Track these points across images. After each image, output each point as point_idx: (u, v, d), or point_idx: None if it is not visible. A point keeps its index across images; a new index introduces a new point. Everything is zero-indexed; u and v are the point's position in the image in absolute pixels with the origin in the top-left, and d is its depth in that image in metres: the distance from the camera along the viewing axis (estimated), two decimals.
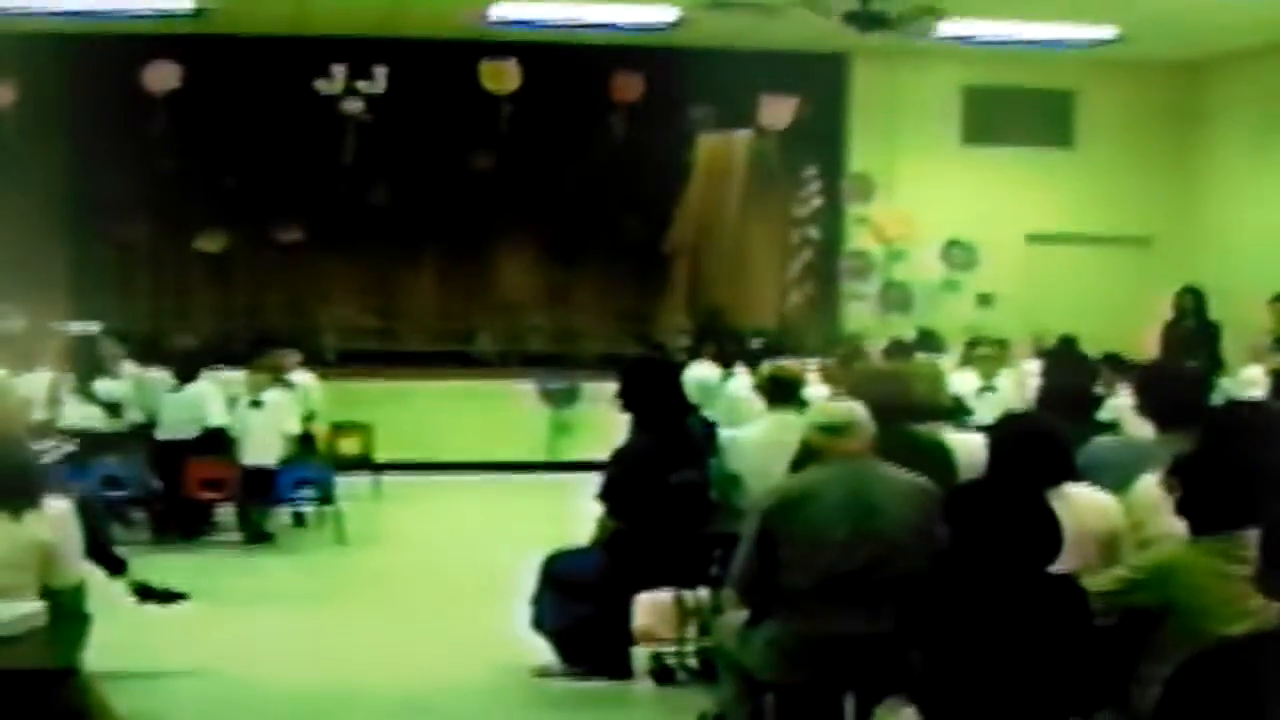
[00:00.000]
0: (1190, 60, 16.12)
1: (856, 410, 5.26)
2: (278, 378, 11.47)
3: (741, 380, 11.66)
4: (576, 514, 8.05)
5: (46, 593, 4.54)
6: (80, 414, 11.15)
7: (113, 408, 11.32)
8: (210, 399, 11.17)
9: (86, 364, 11.57)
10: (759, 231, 17.00)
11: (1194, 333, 13.89)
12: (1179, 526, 4.58)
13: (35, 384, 11.06)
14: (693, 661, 6.98)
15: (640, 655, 7.08)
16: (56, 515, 4.47)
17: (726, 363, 12.62)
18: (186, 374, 11.24)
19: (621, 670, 6.98)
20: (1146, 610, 4.42)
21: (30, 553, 4.37)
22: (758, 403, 7.75)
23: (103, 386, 11.37)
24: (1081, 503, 4.96)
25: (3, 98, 14.90)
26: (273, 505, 11.07)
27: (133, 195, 15.69)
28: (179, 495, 10.80)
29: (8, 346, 12.06)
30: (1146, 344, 13.81)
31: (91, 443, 10.72)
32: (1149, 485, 5.11)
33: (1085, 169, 16.54)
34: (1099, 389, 8.82)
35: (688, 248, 17.01)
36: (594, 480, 7.20)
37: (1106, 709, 4.50)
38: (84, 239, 15.80)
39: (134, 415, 11.49)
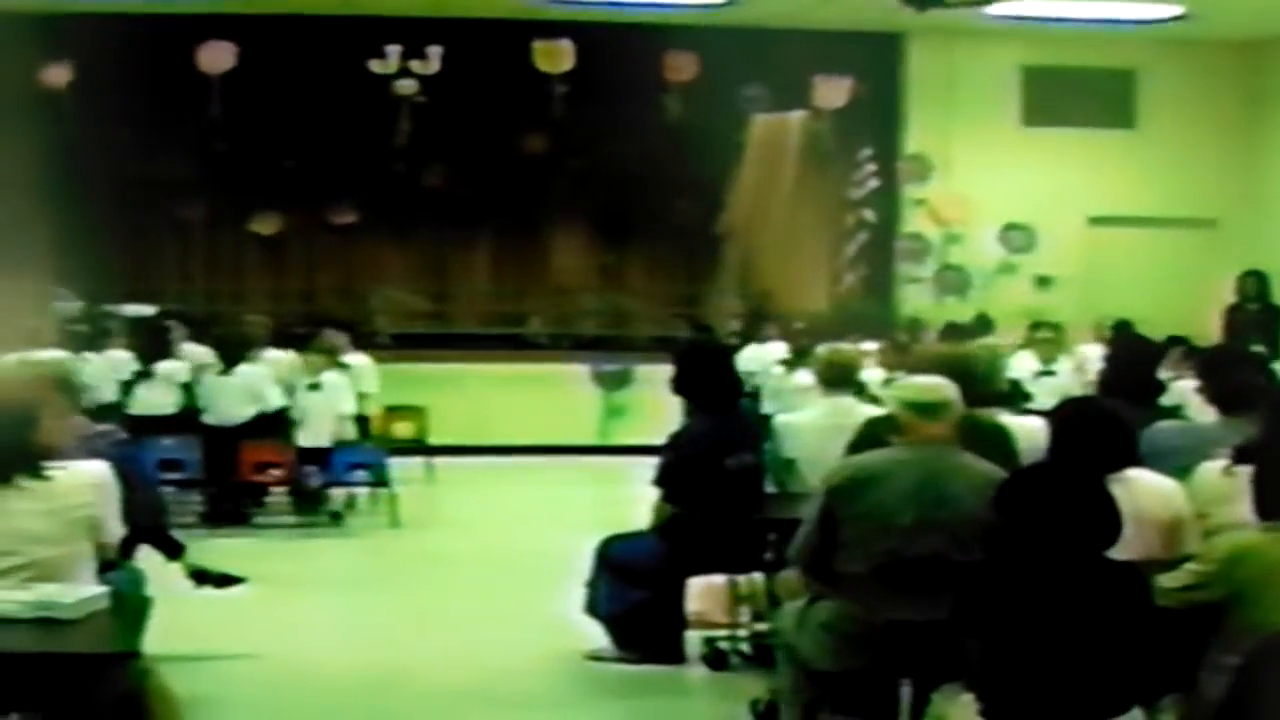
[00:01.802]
0: (1255, 39, 15.89)
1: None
2: (334, 360, 11.47)
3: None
4: (628, 497, 8.03)
5: (104, 578, 4.53)
6: (147, 397, 11.17)
7: (178, 390, 11.32)
8: (266, 382, 11.16)
9: (154, 346, 11.56)
10: (812, 214, 16.91)
11: (1257, 316, 13.73)
12: (1246, 513, 4.49)
13: (102, 366, 11.08)
14: (746, 647, 6.95)
15: (694, 640, 7.04)
16: (85, 481, 4.45)
17: (800, 350, 11.65)
18: (238, 357, 11.21)
19: (675, 655, 6.94)
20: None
21: (62, 524, 4.36)
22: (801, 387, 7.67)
23: (164, 369, 11.38)
24: (1144, 488, 4.89)
25: (59, 79, 14.98)
26: (327, 488, 11.08)
27: (188, 177, 15.79)
28: (233, 479, 10.81)
29: (67, 329, 12.13)
30: (1209, 328, 13.64)
31: (149, 425, 10.75)
32: (1213, 471, 5.03)
33: (1148, 150, 16.34)
34: (1164, 373, 8.68)
35: (740, 230, 16.94)
36: (646, 464, 7.17)
37: (1172, 697, 4.42)
38: (140, 221, 15.91)
39: (193, 398, 11.48)
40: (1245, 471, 4.71)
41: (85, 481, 4.46)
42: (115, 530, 4.57)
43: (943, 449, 5.02)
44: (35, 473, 4.35)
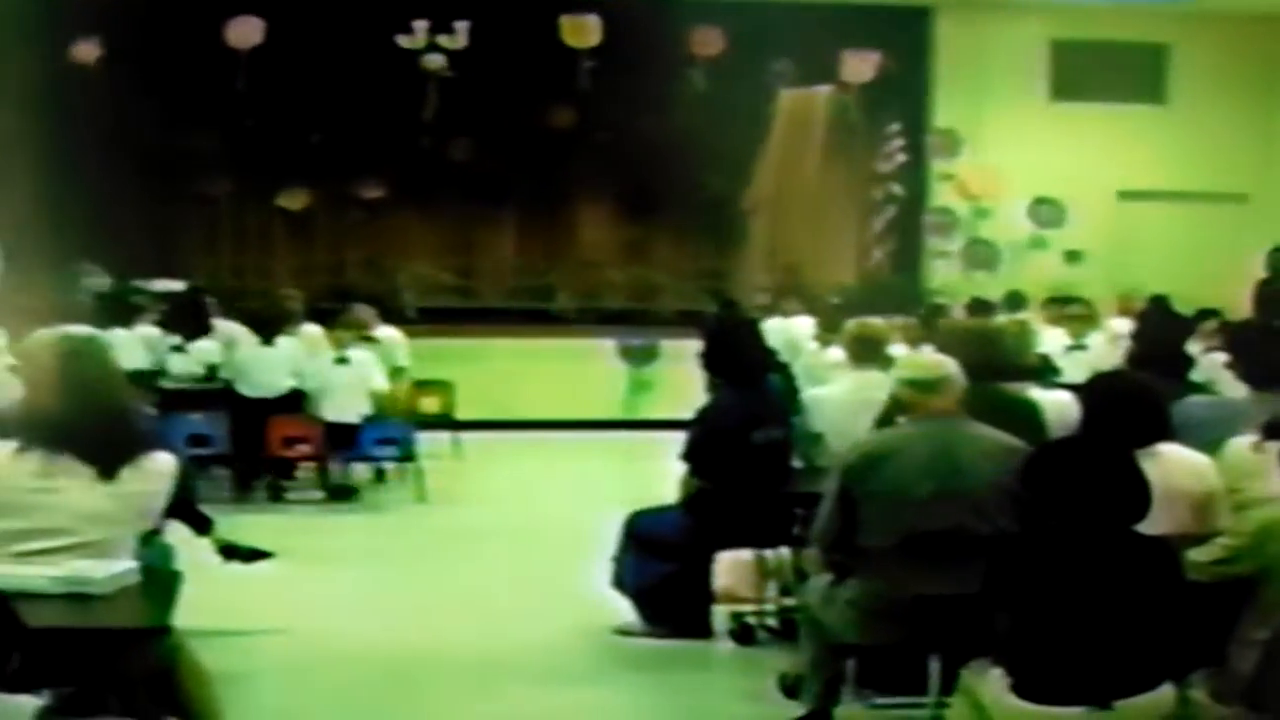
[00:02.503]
0: None
1: (947, 365, 5.17)
2: (363, 334, 11.47)
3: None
4: (655, 472, 8.02)
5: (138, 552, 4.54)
6: (178, 372, 11.19)
7: (209, 365, 11.32)
8: (300, 358, 11.15)
9: (190, 321, 11.54)
10: (840, 188, 16.87)
11: None
12: (1276, 488, 4.47)
13: (131, 341, 11.11)
14: (773, 622, 6.93)
15: (721, 615, 7.04)
16: (159, 471, 4.46)
17: (830, 325, 11.31)
18: (276, 330, 11.21)
19: (702, 630, 6.93)
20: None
21: (129, 509, 4.37)
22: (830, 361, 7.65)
23: (197, 344, 11.37)
24: (1174, 463, 4.87)
25: (88, 54, 15.02)
26: (354, 462, 11.10)
27: (215, 152, 15.81)
28: (261, 453, 10.83)
29: (96, 304, 12.15)
30: (1239, 303, 13.55)
31: (178, 400, 10.78)
32: (1242, 446, 5.01)
33: (1178, 125, 16.25)
34: (1194, 347, 8.64)
35: (767, 204, 16.91)
36: (673, 438, 7.15)
37: (1202, 672, 4.41)
38: (168, 196, 15.94)
39: (224, 373, 11.50)
40: (1274, 447, 4.68)
41: (159, 470, 4.45)
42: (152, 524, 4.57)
43: (951, 421, 5.03)
44: (123, 459, 4.36)
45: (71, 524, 4.27)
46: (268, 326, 11.22)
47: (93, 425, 4.37)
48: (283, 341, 11.17)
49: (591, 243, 16.90)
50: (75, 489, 4.29)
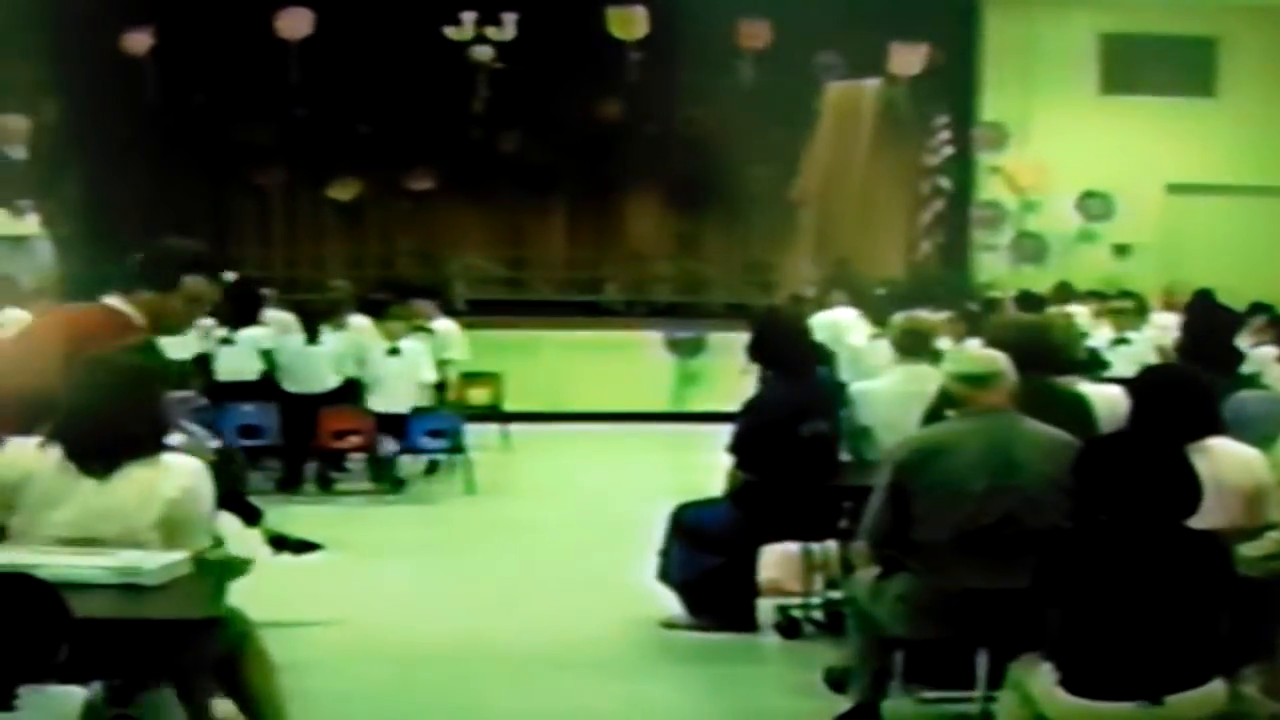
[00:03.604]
0: None
1: (999, 360, 5.15)
2: (416, 325, 11.49)
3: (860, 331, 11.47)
4: (702, 465, 8.02)
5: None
6: (230, 363, 11.24)
7: (260, 356, 11.35)
8: (351, 350, 11.16)
9: (244, 311, 11.58)
10: (887, 181, 16.82)
11: None
12: None
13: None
14: (819, 615, 6.93)
15: (766, 608, 7.03)
16: (183, 472, 4.46)
17: (879, 319, 11.78)
18: (316, 327, 11.21)
19: (747, 623, 6.94)
20: None
21: (149, 509, 4.38)
22: (879, 354, 7.64)
23: (248, 335, 11.41)
24: (1225, 457, 4.85)
25: (140, 45, 15.12)
26: (404, 453, 11.13)
27: (267, 142, 15.91)
28: (311, 445, 10.87)
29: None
30: None
31: (230, 391, 10.84)
32: None
33: (1229, 118, 16.13)
34: (1243, 341, 8.59)
35: (815, 197, 16.88)
36: (720, 431, 7.15)
37: (1254, 667, 4.39)
38: (219, 187, 16.06)
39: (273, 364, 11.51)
40: None
41: (172, 471, 4.47)
42: (199, 537, 4.52)
43: (1004, 416, 5.02)
44: (124, 459, 4.40)
45: (93, 519, 4.32)
46: (314, 321, 11.25)
47: (93, 425, 4.41)
48: (328, 338, 11.18)
49: (640, 234, 16.92)
50: (88, 485, 4.35)
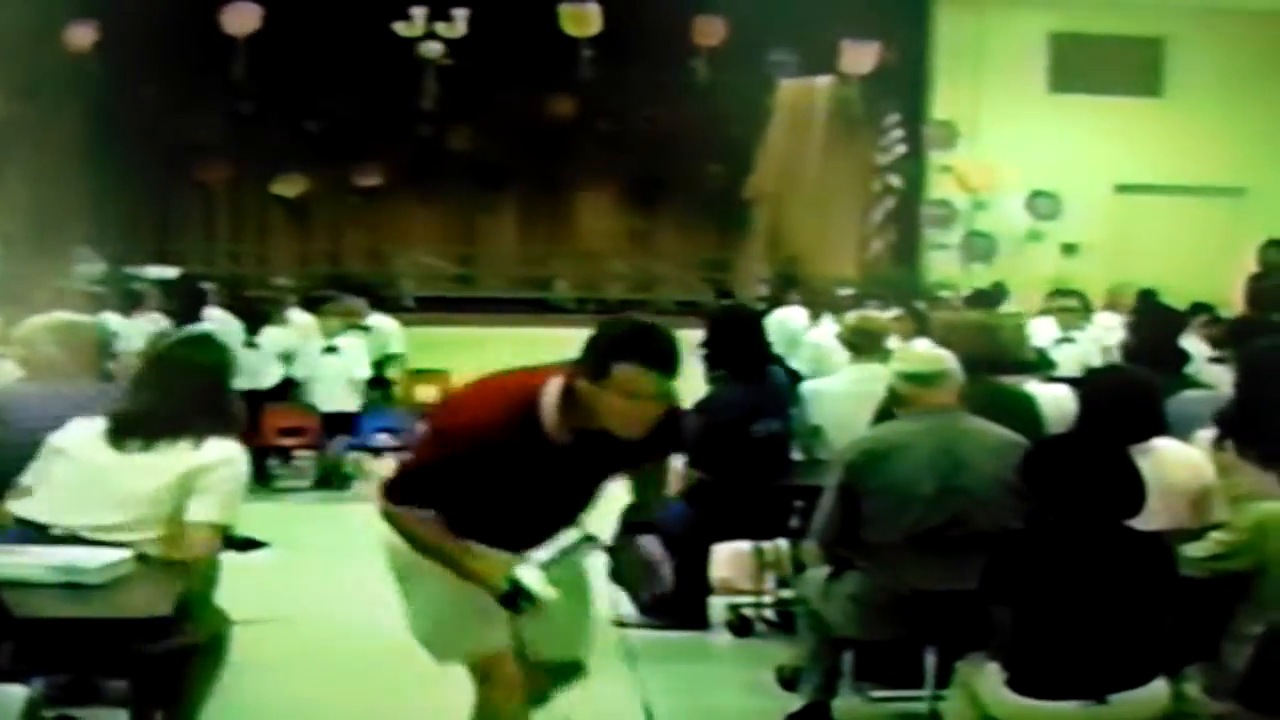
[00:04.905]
0: None
1: (946, 359, 5.16)
2: (351, 323, 11.44)
3: (826, 329, 11.50)
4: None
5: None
6: None
7: None
8: (286, 348, 11.13)
9: (188, 309, 11.53)
10: (840, 179, 16.87)
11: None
12: (1263, 481, 4.49)
13: (131, 330, 11.08)
14: (771, 614, 6.94)
15: (719, 607, 7.04)
16: (221, 447, 4.47)
17: (815, 312, 12.11)
18: (261, 322, 11.18)
19: (699, 622, 6.94)
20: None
21: (170, 472, 4.37)
22: (842, 352, 7.65)
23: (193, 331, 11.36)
24: (1169, 458, 4.88)
25: (84, 40, 14.97)
26: (351, 451, 11.08)
27: (212, 138, 15.80)
28: (256, 443, 10.79)
29: (90, 290, 12.12)
30: (1234, 297, 13.56)
31: None
32: (1204, 442, 5.04)
33: (1175, 118, 16.26)
34: (1187, 341, 8.64)
35: (768, 194, 16.91)
36: None
37: (1196, 666, 4.42)
38: (162, 182, 15.95)
39: None
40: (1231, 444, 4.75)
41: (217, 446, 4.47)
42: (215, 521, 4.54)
43: (951, 415, 5.02)
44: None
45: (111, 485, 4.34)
46: (252, 318, 11.19)
47: (139, 404, 4.44)
48: (267, 335, 11.11)
49: (592, 232, 16.92)
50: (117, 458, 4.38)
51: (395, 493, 4.08)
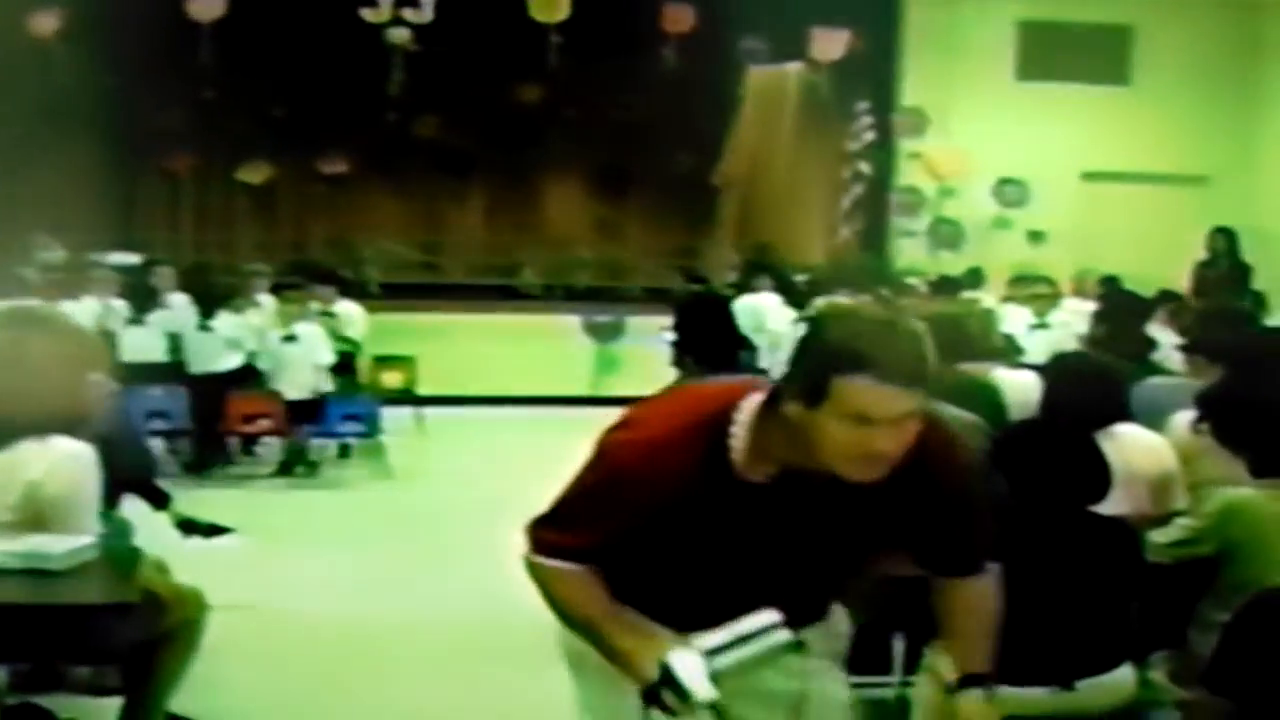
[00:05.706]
0: None
1: None
2: (314, 310, 11.39)
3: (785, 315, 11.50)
4: None
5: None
6: (137, 344, 11.11)
7: (166, 338, 11.26)
8: (245, 334, 11.09)
9: (140, 294, 11.50)
10: (809, 166, 16.87)
11: (1226, 274, 13.71)
12: (1230, 468, 4.49)
13: (83, 314, 11.00)
14: None
15: None
16: (60, 457, 4.29)
17: (798, 303, 11.70)
18: (217, 306, 11.13)
19: None
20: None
21: (12, 491, 4.24)
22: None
23: (156, 318, 11.32)
24: (1133, 444, 4.88)
25: (46, 26, 14.85)
26: (317, 438, 11.04)
27: (176, 125, 15.70)
28: (220, 429, 10.77)
29: (49, 276, 12.04)
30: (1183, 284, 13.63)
31: (137, 373, 10.69)
32: (1182, 426, 5.03)
33: (1143, 106, 16.30)
34: (1154, 328, 8.66)
35: (737, 182, 16.90)
36: None
37: (1162, 653, 4.42)
38: (127, 169, 15.83)
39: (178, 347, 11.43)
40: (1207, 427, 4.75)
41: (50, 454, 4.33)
42: (82, 525, 4.31)
43: None
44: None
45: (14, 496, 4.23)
46: (208, 303, 11.14)
47: None
48: (223, 319, 11.07)
49: (559, 219, 16.88)
50: None
51: (543, 537, 3.16)
